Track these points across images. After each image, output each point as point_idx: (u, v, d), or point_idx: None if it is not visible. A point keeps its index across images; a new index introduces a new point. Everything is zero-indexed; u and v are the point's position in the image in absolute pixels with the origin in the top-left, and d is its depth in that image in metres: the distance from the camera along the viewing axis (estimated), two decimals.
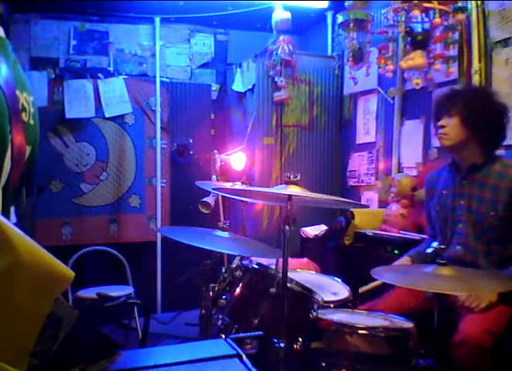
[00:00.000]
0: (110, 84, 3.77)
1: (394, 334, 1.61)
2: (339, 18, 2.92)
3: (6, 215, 1.04)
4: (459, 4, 2.44)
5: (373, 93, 3.53)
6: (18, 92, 1.07)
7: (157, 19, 3.98)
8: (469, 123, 1.94)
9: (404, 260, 2.19)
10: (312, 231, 3.29)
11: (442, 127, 2.01)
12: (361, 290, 2.14)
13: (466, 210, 2.01)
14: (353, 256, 2.93)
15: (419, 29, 2.62)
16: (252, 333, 1.67)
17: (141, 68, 4.06)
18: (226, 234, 1.94)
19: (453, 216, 2.06)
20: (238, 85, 3.93)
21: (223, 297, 1.90)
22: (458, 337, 1.70)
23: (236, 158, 3.76)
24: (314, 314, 1.71)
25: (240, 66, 3.93)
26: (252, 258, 2.17)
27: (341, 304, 1.99)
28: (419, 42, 2.56)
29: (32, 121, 1.12)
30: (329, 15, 3.97)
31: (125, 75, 3.92)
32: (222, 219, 3.58)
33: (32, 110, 1.12)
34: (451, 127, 1.98)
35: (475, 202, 1.98)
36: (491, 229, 1.94)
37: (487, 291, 1.82)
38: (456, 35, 2.57)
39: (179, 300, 3.90)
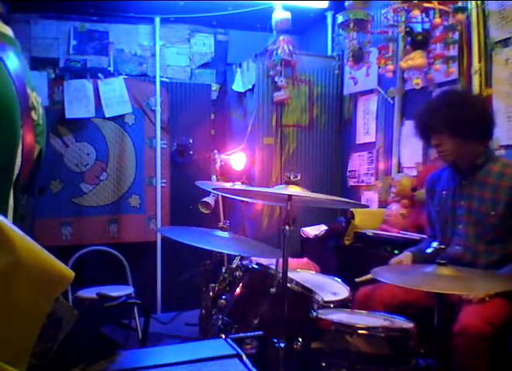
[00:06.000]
0: (110, 84, 3.76)
1: (394, 334, 1.61)
2: (339, 18, 2.92)
3: (16, 209, 1.04)
4: (459, 4, 2.44)
5: (373, 93, 3.53)
6: (28, 90, 1.06)
7: (157, 19, 3.98)
8: (460, 133, 1.94)
9: (405, 255, 2.17)
10: (312, 231, 3.29)
11: (438, 145, 2.01)
12: (358, 280, 2.13)
13: (467, 210, 2.01)
14: (353, 256, 2.93)
15: (419, 29, 2.62)
16: (252, 333, 1.67)
17: (141, 68, 4.06)
18: (226, 234, 1.94)
19: (453, 216, 2.07)
20: (238, 85, 3.93)
21: (223, 297, 1.90)
22: (457, 327, 1.70)
23: (236, 158, 3.76)
24: (314, 314, 1.71)
25: (240, 66, 3.93)
26: (252, 258, 2.17)
27: (341, 304, 1.99)
28: (419, 42, 2.56)
29: (41, 121, 1.11)
30: (329, 15, 3.97)
31: (125, 75, 3.92)
32: (222, 219, 3.58)
33: (41, 110, 1.11)
34: (445, 143, 1.98)
35: (475, 202, 1.99)
36: (492, 229, 1.94)
37: (486, 291, 1.81)
38: (456, 35, 2.57)
39: (179, 300, 3.90)
